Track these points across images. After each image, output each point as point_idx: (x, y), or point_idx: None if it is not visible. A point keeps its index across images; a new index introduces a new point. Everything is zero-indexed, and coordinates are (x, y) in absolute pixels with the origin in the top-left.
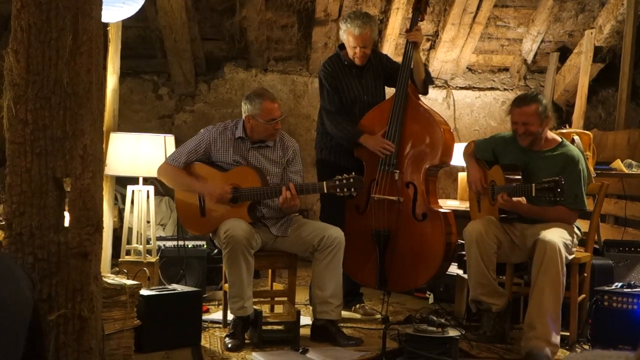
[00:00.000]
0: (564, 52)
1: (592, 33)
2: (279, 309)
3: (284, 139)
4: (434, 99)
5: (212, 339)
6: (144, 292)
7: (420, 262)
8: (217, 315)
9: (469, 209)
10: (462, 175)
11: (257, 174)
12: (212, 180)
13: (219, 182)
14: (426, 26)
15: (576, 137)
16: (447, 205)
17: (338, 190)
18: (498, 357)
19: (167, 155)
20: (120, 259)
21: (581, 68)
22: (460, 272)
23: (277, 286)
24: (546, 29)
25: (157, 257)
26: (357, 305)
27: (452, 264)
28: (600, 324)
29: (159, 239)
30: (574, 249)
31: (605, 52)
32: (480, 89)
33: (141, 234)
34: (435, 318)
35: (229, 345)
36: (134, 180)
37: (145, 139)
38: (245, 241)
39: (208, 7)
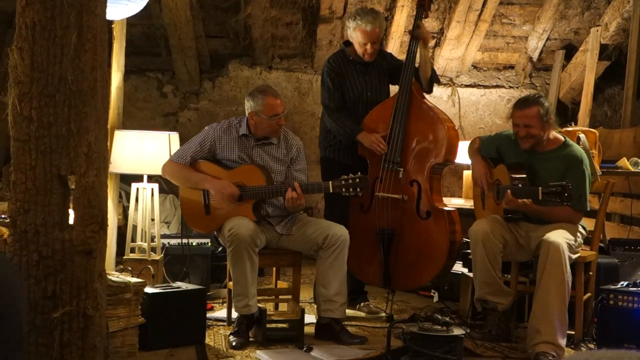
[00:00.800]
0: (570, 50)
1: (598, 31)
2: (283, 307)
3: (288, 136)
4: (438, 96)
5: (217, 337)
6: (148, 289)
7: (424, 260)
8: (222, 313)
9: (472, 208)
10: (467, 173)
11: (262, 172)
12: (217, 177)
13: (225, 180)
14: (431, 23)
15: (582, 135)
16: (452, 203)
17: (344, 190)
18: (503, 356)
19: (172, 153)
20: (124, 257)
21: (587, 66)
22: (465, 270)
23: (282, 284)
24: (552, 26)
25: (162, 255)
26: (362, 304)
27: (457, 262)
28: (606, 322)
29: (164, 236)
30: (579, 248)
31: (611, 50)
32: (485, 87)
33: (145, 231)
34: (439, 316)
35: (234, 343)
36: (138, 178)
37: (149, 136)
38: (249, 239)
39: (212, 4)
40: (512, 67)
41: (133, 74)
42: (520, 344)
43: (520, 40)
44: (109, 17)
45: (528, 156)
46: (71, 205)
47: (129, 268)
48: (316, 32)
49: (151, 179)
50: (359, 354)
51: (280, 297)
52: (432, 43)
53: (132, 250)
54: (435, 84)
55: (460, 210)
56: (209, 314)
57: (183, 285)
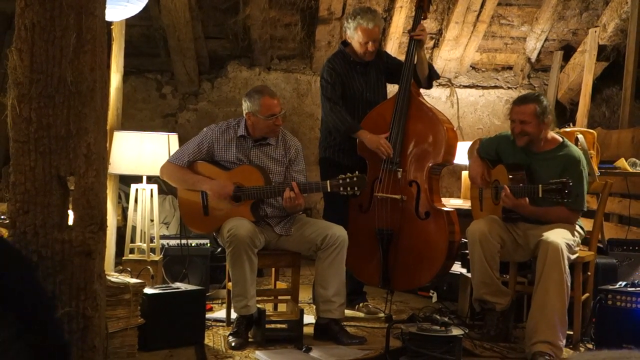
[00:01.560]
0: (568, 51)
1: (596, 31)
2: (282, 307)
3: (286, 137)
4: (437, 97)
5: (216, 338)
6: (147, 290)
7: (423, 260)
8: (221, 313)
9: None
10: (465, 174)
11: (261, 172)
12: (216, 179)
13: (222, 181)
14: (430, 24)
15: (580, 136)
16: (451, 203)
17: (341, 189)
18: (501, 356)
19: (170, 155)
20: (124, 258)
21: (585, 66)
22: (464, 270)
23: (281, 285)
24: (550, 27)
25: (161, 256)
26: (361, 304)
27: (456, 262)
28: (604, 323)
29: (163, 237)
30: (577, 248)
31: (609, 51)
32: (484, 88)
33: (145, 232)
34: (438, 317)
35: (233, 344)
36: (137, 179)
37: (148, 137)
38: (248, 240)
39: (211, 5)
40: (510, 67)
41: (132, 75)
42: (519, 344)
43: (518, 41)
44: (108, 18)
45: (526, 156)
46: (70, 206)
47: (128, 269)
48: (315, 33)
49: (150, 180)
50: (358, 354)
51: (279, 297)
52: (430, 44)
53: (132, 251)
54: (434, 81)
55: (459, 211)
56: (208, 315)
57: (182, 286)
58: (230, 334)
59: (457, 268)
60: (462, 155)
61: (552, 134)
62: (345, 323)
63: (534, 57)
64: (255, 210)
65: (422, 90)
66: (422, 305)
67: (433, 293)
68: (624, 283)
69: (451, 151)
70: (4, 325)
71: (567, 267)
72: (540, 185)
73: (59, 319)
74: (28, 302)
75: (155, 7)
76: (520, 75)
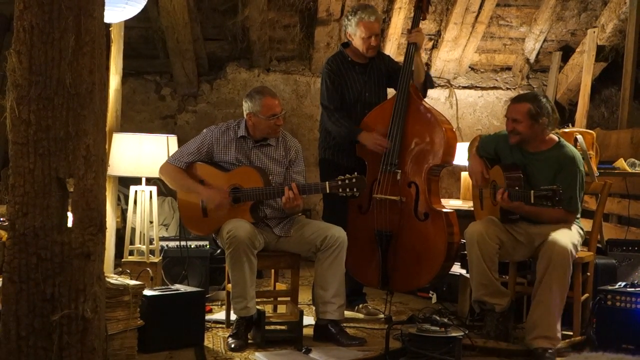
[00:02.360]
0: (567, 51)
1: (594, 32)
2: (282, 309)
3: (286, 138)
4: (436, 98)
5: (215, 339)
6: (147, 292)
7: (422, 262)
8: (220, 315)
9: (472, 209)
10: (464, 175)
11: (260, 174)
12: (214, 180)
13: (221, 183)
14: (428, 25)
15: (579, 136)
16: (450, 204)
17: (340, 190)
18: (501, 357)
19: (169, 155)
20: (123, 259)
21: (584, 67)
22: (463, 271)
23: (280, 286)
24: (549, 28)
25: (160, 258)
26: (360, 305)
27: (455, 263)
28: (604, 323)
29: (162, 239)
30: (579, 248)
31: (607, 51)
32: (482, 88)
33: (144, 234)
34: (438, 318)
35: (232, 346)
36: (137, 181)
37: (148, 139)
38: (248, 241)
39: (210, 7)
40: (509, 68)
41: (131, 76)
42: (519, 345)
43: (517, 41)
44: (106, 20)
45: (522, 156)
46: (70, 208)
47: (128, 271)
48: (314, 34)
49: (149, 181)
50: (357, 356)
51: (279, 299)
52: (429, 45)
53: (131, 253)
54: (429, 89)
55: (458, 212)
56: (208, 316)
57: (182, 288)
58: (229, 336)
59: (456, 269)
60: (461, 156)
61: (549, 135)
62: (344, 324)
63: (532, 57)
64: (254, 212)
65: None
66: (422, 306)
67: (432, 294)
68: (623, 283)
69: (450, 152)
70: None
71: (570, 269)
72: (532, 192)
73: None
74: None
75: (154, 9)
76: (519, 76)
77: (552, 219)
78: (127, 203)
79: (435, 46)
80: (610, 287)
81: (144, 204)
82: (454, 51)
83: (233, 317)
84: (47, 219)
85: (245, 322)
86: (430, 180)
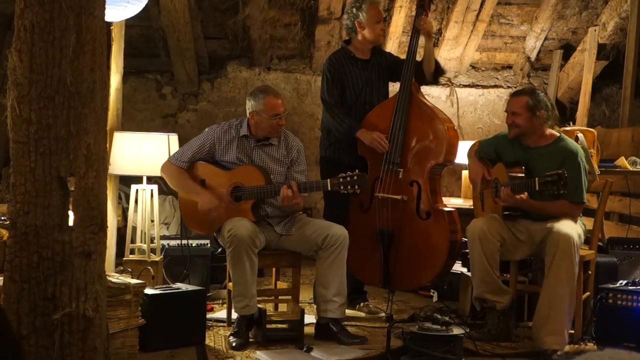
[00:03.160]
0: (568, 50)
1: (595, 30)
2: (283, 307)
3: (288, 138)
4: (437, 96)
5: (217, 338)
6: (148, 291)
7: (424, 260)
8: (222, 314)
9: (472, 208)
10: (465, 173)
11: (261, 172)
12: (216, 179)
13: (222, 182)
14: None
15: (580, 135)
16: (451, 203)
17: (342, 187)
18: (502, 355)
19: (171, 154)
20: (124, 258)
21: (585, 65)
22: (465, 270)
23: (281, 285)
24: (550, 26)
25: (161, 256)
26: (362, 304)
27: (457, 262)
28: (605, 321)
29: (163, 237)
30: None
31: (608, 50)
32: (483, 87)
33: (145, 233)
34: (439, 316)
35: (233, 344)
36: (137, 180)
37: (148, 138)
38: (249, 240)
39: (211, 5)
40: (510, 67)
41: (132, 75)
42: (520, 344)
43: (518, 40)
44: (107, 18)
45: (523, 152)
46: (71, 207)
47: (129, 269)
48: (314, 32)
49: (150, 180)
50: (358, 354)
51: (280, 297)
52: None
53: (132, 252)
54: (441, 75)
55: (460, 210)
56: (209, 315)
57: (183, 287)
58: (231, 334)
59: (458, 267)
60: (462, 154)
61: (549, 130)
62: (346, 323)
63: (533, 56)
64: (255, 210)
65: (422, 89)
66: (423, 305)
67: (434, 292)
68: (624, 282)
69: (452, 151)
70: None
71: (577, 257)
72: (536, 178)
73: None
74: None
75: (154, 8)
76: (520, 75)
77: (558, 211)
78: (128, 202)
79: (436, 45)
80: (611, 286)
81: (145, 202)
82: (454, 49)
83: (234, 315)
84: (48, 217)
85: (246, 320)
86: (432, 179)
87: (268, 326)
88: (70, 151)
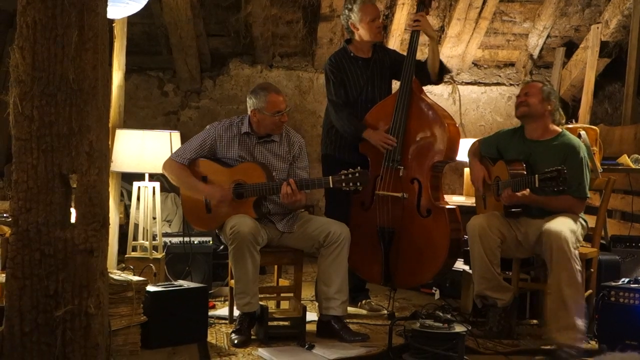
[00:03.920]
0: (570, 47)
1: (598, 28)
2: (285, 305)
3: (290, 134)
4: (439, 94)
5: (219, 335)
6: (150, 288)
7: (425, 258)
8: (223, 311)
9: (474, 205)
10: (467, 171)
11: (263, 169)
12: (217, 176)
13: (224, 179)
14: (432, 21)
15: (582, 132)
16: (453, 201)
17: (344, 184)
18: (504, 353)
19: (173, 151)
20: (126, 255)
21: (587, 63)
22: (467, 267)
23: (283, 282)
24: (552, 23)
25: (163, 254)
26: (363, 301)
27: (458, 259)
28: (607, 319)
29: (165, 235)
30: (579, 244)
31: (611, 47)
32: (486, 84)
33: (147, 230)
34: (441, 314)
35: (235, 341)
36: (140, 177)
37: (151, 135)
38: (251, 237)
39: (213, 3)
40: (512, 64)
41: (134, 72)
42: (522, 341)
43: (520, 37)
44: (109, 16)
45: (526, 146)
46: (73, 204)
47: (131, 266)
48: (317, 30)
49: (153, 177)
50: (360, 352)
51: (282, 295)
52: None
53: (134, 249)
54: (446, 74)
55: (461, 208)
56: (211, 312)
57: (185, 284)
58: (232, 332)
59: (459, 265)
60: (464, 152)
61: (553, 125)
62: (347, 320)
63: (536, 53)
64: (257, 208)
65: (424, 87)
66: (425, 303)
67: (436, 290)
68: (626, 279)
69: (454, 148)
70: None
71: (573, 252)
72: (536, 175)
73: None
74: None
75: (156, 5)
76: (522, 72)
77: (561, 206)
78: (130, 199)
79: (438, 42)
80: (613, 283)
81: (147, 200)
82: (457, 47)
83: (236, 313)
84: (51, 214)
85: (248, 318)
86: (434, 176)
87: (270, 323)
88: (73, 148)
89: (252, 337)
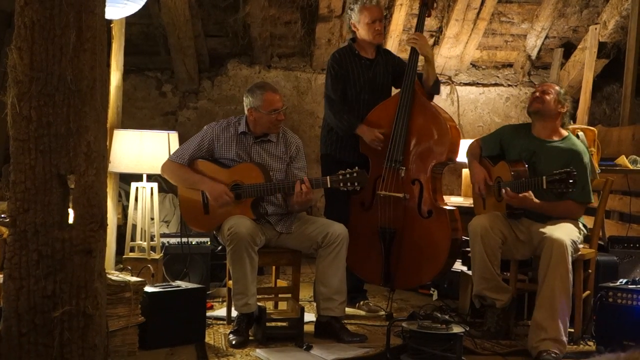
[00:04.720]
0: (568, 48)
1: (596, 29)
2: (283, 305)
3: (287, 135)
4: (437, 95)
5: (216, 336)
6: (148, 288)
7: (425, 259)
8: (221, 311)
9: (472, 206)
10: (465, 172)
11: (261, 170)
12: (215, 176)
13: (222, 180)
14: (430, 22)
15: (580, 133)
16: (452, 201)
17: (342, 184)
18: (502, 353)
19: (171, 153)
20: (124, 256)
21: (585, 64)
22: (465, 268)
23: (281, 283)
24: (550, 24)
25: (161, 254)
26: (362, 302)
27: (457, 260)
28: (605, 320)
29: (163, 235)
30: (580, 246)
31: (609, 48)
32: (484, 85)
33: (145, 230)
34: (439, 314)
35: (233, 342)
36: (137, 177)
37: (149, 135)
38: (249, 238)
39: (211, 3)
40: (510, 65)
41: (132, 73)
42: (520, 342)
43: (518, 38)
44: (107, 16)
45: (531, 143)
46: (71, 205)
47: (129, 267)
48: (315, 31)
49: (150, 178)
50: (358, 352)
51: (280, 295)
52: (430, 41)
53: (132, 250)
54: (435, 94)
55: (460, 209)
56: (209, 313)
57: (183, 284)
58: (230, 332)
59: (458, 266)
60: (463, 153)
61: (561, 128)
62: (346, 321)
63: (534, 54)
64: (255, 208)
65: None
66: (423, 303)
67: (434, 291)
68: (624, 280)
69: (454, 149)
70: None
71: (570, 263)
72: (544, 177)
73: None
74: None
75: (155, 6)
76: (520, 73)
77: (563, 211)
78: (128, 199)
79: (436, 43)
80: (611, 284)
81: (145, 200)
82: (455, 48)
83: (234, 313)
84: (48, 215)
85: (246, 318)
86: (434, 177)
87: (268, 324)
88: (70, 149)
89: (250, 337)
